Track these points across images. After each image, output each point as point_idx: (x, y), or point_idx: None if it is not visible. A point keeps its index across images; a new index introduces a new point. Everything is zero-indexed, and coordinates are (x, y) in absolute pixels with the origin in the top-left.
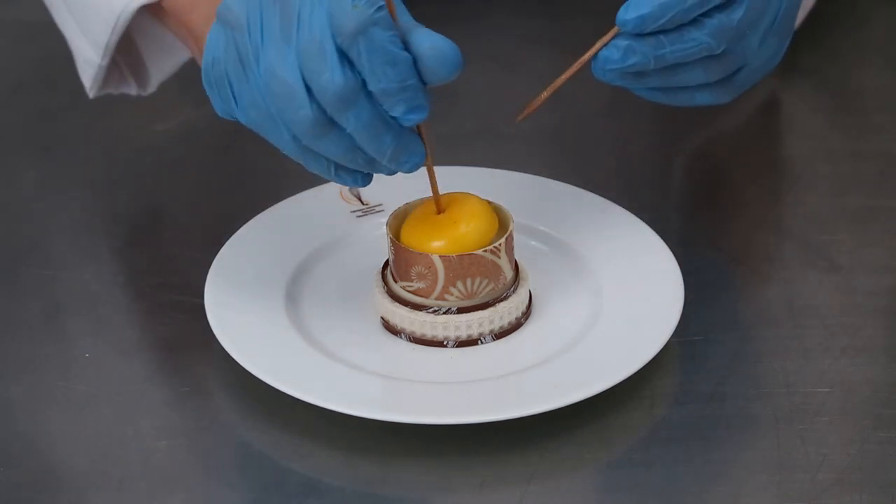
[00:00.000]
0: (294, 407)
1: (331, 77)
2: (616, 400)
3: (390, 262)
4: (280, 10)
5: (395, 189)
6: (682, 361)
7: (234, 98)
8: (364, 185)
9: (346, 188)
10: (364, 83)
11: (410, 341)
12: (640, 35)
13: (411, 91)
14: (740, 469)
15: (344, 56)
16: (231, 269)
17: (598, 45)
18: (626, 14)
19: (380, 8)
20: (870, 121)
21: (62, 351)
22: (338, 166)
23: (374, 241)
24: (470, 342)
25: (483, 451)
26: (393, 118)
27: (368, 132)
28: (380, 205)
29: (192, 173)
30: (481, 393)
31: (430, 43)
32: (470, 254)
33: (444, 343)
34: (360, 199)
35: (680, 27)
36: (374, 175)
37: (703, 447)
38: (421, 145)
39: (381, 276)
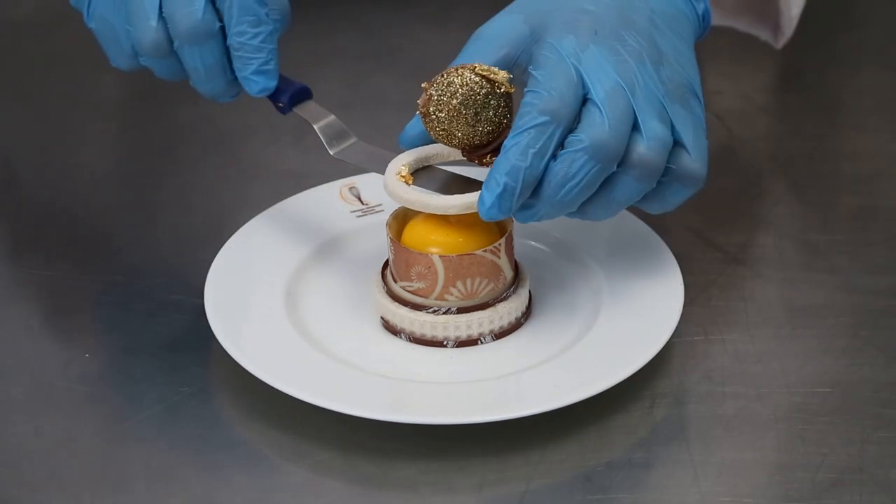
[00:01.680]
0: (294, 407)
1: (191, 11)
2: (616, 400)
3: (390, 262)
4: None
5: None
6: (682, 361)
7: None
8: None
9: (346, 188)
10: (221, 30)
11: (410, 341)
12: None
13: (266, 53)
14: (740, 469)
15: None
16: (231, 269)
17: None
18: (486, 207)
19: None
20: (869, 121)
21: (62, 351)
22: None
23: (374, 241)
24: (470, 342)
25: (483, 451)
26: (233, 75)
27: (207, 74)
28: (380, 205)
29: (192, 173)
30: (481, 393)
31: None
32: (470, 254)
33: (444, 343)
34: (359, 199)
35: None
36: (374, 176)
37: (703, 447)
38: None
39: (381, 276)
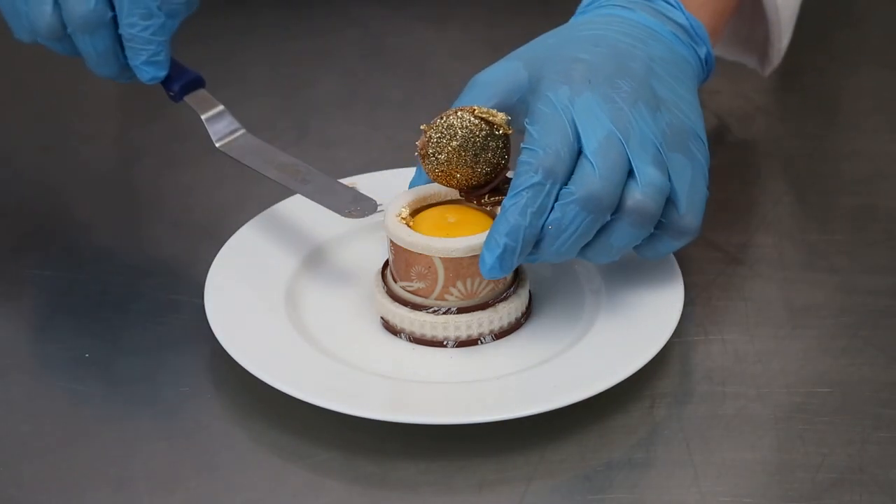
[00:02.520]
0: (294, 407)
1: (84, 0)
2: (616, 400)
3: (390, 262)
4: None
5: (395, 189)
6: (682, 361)
7: None
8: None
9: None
10: (113, 19)
11: (410, 341)
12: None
13: (156, 45)
14: (740, 469)
15: None
16: (231, 269)
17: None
18: (487, 267)
19: None
20: (869, 121)
21: (62, 351)
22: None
23: (374, 241)
24: (470, 342)
25: (483, 451)
26: (126, 62)
27: (99, 60)
28: (380, 205)
29: (192, 173)
30: (481, 393)
31: None
32: (470, 254)
33: (444, 343)
34: None
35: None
36: (374, 175)
37: (703, 447)
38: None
39: (380, 276)
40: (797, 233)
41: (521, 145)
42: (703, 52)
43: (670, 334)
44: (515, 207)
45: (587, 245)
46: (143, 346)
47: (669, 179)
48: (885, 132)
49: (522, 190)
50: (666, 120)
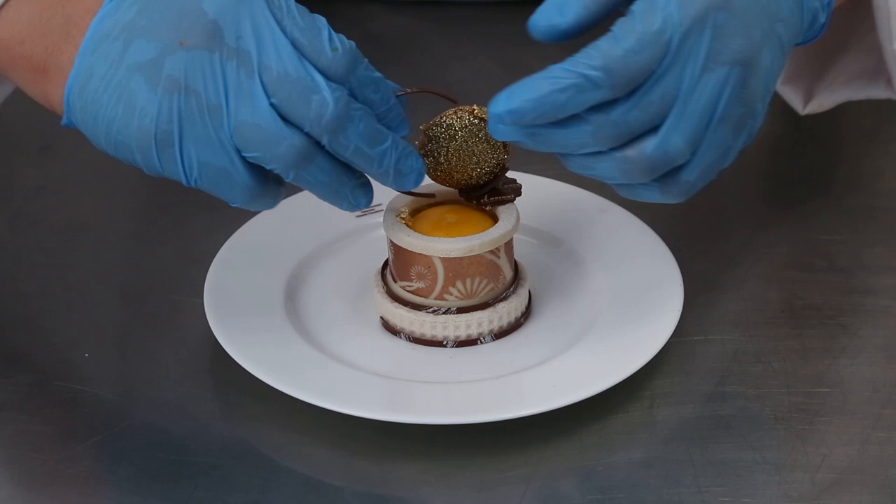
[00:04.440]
0: (294, 407)
1: (323, 98)
2: (616, 400)
3: (390, 262)
4: (237, 62)
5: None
6: (682, 361)
7: (182, 157)
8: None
9: None
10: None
11: (410, 341)
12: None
13: (396, 109)
14: (740, 469)
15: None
16: (231, 269)
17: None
18: (496, 107)
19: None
20: (868, 121)
21: (62, 351)
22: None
23: (374, 241)
24: (469, 342)
25: (483, 451)
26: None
27: (369, 142)
28: (379, 204)
29: None
30: (481, 393)
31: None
32: (470, 254)
33: (444, 343)
34: None
35: (560, 122)
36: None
37: (703, 447)
38: (418, 157)
39: (380, 275)
40: (797, 233)
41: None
42: (822, 16)
43: (670, 334)
44: (557, 82)
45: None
46: (143, 346)
47: (697, 151)
48: (886, 132)
49: (580, 74)
50: (749, 91)
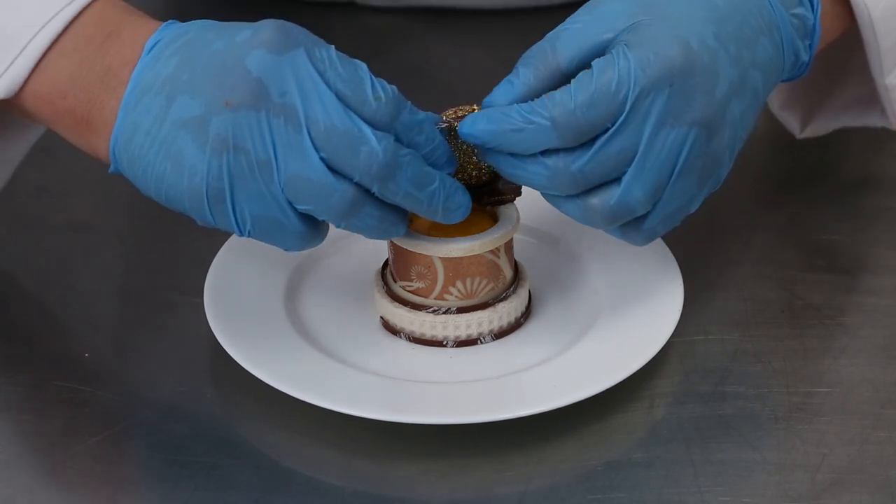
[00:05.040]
0: (294, 407)
1: (372, 149)
2: (616, 400)
3: (390, 262)
4: (284, 118)
5: None
6: (682, 361)
7: (235, 214)
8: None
9: None
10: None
11: (410, 341)
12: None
13: (441, 147)
14: (740, 469)
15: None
16: (231, 269)
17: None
18: (462, 128)
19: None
20: None
21: (62, 351)
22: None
23: (374, 242)
24: (469, 342)
25: (483, 451)
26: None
27: (418, 185)
28: None
29: None
30: (481, 393)
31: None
32: (470, 254)
33: (444, 343)
34: None
35: (522, 158)
36: None
37: (703, 447)
38: (465, 191)
39: (380, 275)
40: (797, 233)
41: (574, 79)
42: (804, 56)
43: (670, 334)
44: (510, 120)
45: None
46: (142, 346)
47: (658, 202)
48: (886, 132)
49: (531, 120)
50: (714, 145)
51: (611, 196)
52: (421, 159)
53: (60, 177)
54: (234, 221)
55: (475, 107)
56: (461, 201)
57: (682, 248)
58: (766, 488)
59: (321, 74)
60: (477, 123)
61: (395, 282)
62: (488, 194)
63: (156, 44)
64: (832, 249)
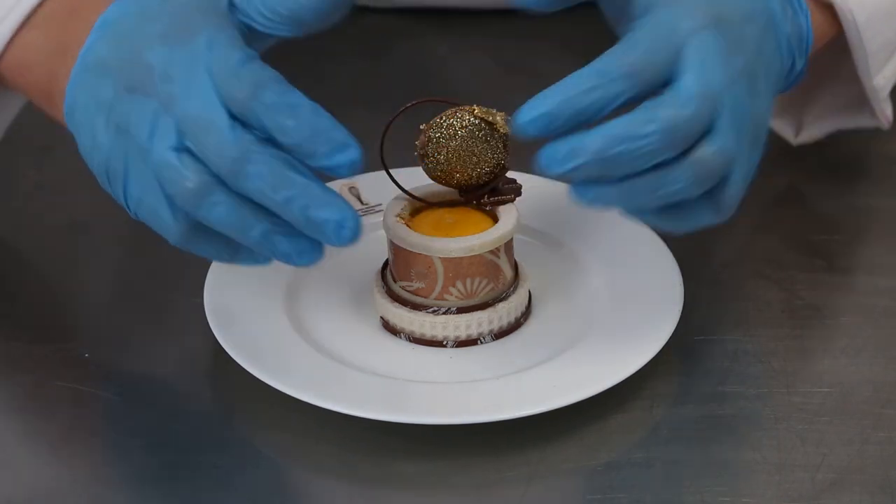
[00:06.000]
0: (294, 407)
1: (220, 140)
2: (616, 400)
3: (390, 262)
4: (161, 102)
5: (395, 190)
6: (682, 361)
7: (126, 195)
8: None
9: (346, 188)
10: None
11: (410, 341)
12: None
13: (326, 132)
14: (740, 469)
15: (235, 119)
16: (231, 269)
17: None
18: (522, 117)
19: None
20: None
21: (62, 351)
22: (236, 249)
23: (374, 242)
24: (469, 342)
25: (483, 451)
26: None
27: (271, 187)
28: (379, 204)
29: None
30: (481, 393)
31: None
32: (470, 254)
33: (444, 343)
34: (359, 199)
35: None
36: (374, 175)
37: (703, 447)
38: (340, 208)
39: (380, 275)
40: (797, 233)
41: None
42: (800, 64)
43: (670, 334)
44: (580, 83)
45: (635, 178)
46: (143, 346)
47: (734, 161)
48: (886, 131)
49: (606, 79)
50: (758, 106)
51: (711, 144)
52: (283, 160)
53: (60, 177)
54: (125, 202)
55: (475, 107)
56: (329, 216)
57: (682, 248)
58: (766, 488)
59: (207, 64)
60: (537, 105)
61: (395, 282)
62: (488, 194)
63: (103, 23)
64: (832, 249)
